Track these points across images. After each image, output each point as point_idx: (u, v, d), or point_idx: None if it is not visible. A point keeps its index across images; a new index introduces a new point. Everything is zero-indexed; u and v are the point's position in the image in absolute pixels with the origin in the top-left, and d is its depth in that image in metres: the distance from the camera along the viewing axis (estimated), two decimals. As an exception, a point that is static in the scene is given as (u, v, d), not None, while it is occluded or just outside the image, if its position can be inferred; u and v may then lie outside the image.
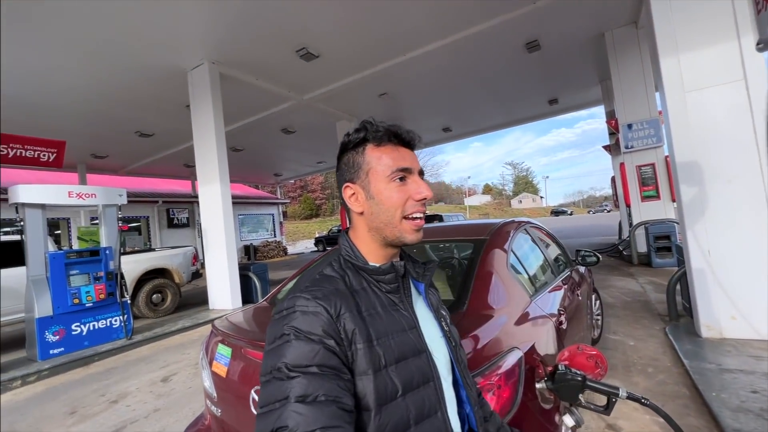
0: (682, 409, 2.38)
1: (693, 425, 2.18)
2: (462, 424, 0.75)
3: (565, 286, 2.38)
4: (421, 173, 0.76)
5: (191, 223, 17.77)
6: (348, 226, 0.83)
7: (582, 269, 3.30)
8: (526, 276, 1.95)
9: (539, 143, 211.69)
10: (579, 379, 1.25)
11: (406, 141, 0.75)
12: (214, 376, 1.51)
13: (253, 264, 7.71)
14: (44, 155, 6.88)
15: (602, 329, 3.84)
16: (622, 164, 8.14)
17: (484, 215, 57.03)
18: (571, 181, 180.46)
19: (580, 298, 2.62)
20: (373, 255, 0.76)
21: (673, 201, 7.45)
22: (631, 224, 8.29)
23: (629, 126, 7.66)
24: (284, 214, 26.85)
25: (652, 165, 7.60)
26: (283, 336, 0.61)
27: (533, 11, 6.38)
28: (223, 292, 6.88)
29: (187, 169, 15.55)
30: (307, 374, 0.57)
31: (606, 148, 11.05)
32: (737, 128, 3.24)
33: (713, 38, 3.28)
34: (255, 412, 1.27)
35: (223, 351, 1.50)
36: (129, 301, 5.41)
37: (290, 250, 24.87)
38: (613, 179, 10.85)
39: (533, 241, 2.42)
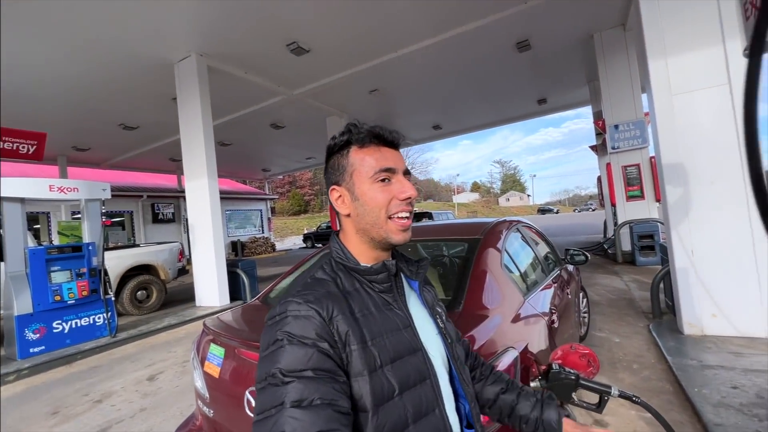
0: (666, 405, 2.45)
1: (677, 420, 2.24)
2: (460, 419, 0.76)
3: (555, 285, 2.42)
4: (406, 173, 0.76)
5: (177, 218, 17.44)
6: (338, 227, 0.83)
7: (570, 268, 3.35)
8: (519, 275, 1.97)
9: (527, 142, 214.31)
10: (572, 377, 1.27)
11: (389, 141, 0.75)
12: (207, 376, 1.48)
13: (241, 260, 7.62)
14: (24, 147, 6.66)
15: (589, 326, 3.92)
16: (608, 164, 8.29)
17: (472, 213, 57.50)
18: (557, 179, 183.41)
19: (569, 296, 2.67)
20: (364, 256, 0.76)
21: (657, 201, 7.63)
22: (616, 223, 8.46)
23: (616, 127, 7.80)
24: (272, 209, 26.57)
25: (637, 166, 7.76)
26: (277, 342, 0.61)
27: (524, 11, 6.42)
28: (210, 289, 6.78)
29: (172, 163, 15.24)
30: (302, 378, 0.57)
31: (593, 148, 11.24)
32: (721, 131, 3.32)
33: (700, 43, 3.35)
34: (249, 413, 1.25)
35: (216, 351, 1.47)
36: (113, 298, 5.29)
37: (278, 246, 24.69)
38: (599, 179, 11.05)
39: (525, 240, 2.45)
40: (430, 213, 18.55)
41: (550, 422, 0.83)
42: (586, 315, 3.80)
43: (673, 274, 3.62)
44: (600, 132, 9.42)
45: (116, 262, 6.47)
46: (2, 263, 4.53)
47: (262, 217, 22.42)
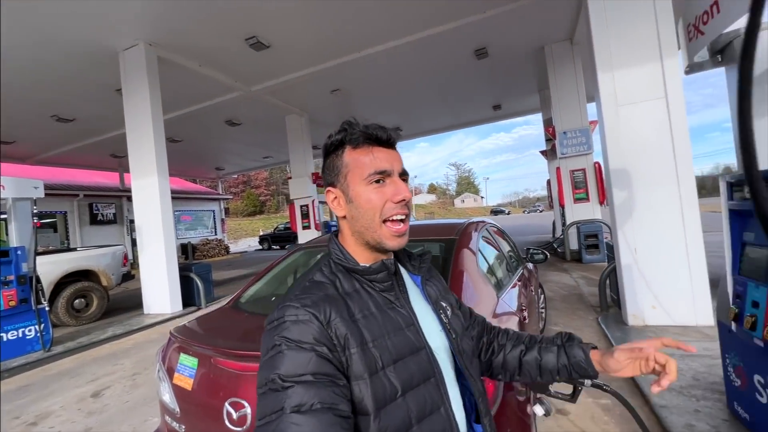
0: (618, 390, 2.64)
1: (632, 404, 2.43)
2: (468, 415, 0.76)
3: (520, 283, 2.53)
4: (403, 174, 0.74)
5: (119, 219, 16.11)
6: (336, 229, 0.82)
7: (530, 266, 3.53)
8: (492, 274, 2.04)
9: (480, 146, 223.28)
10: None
11: (384, 141, 0.73)
12: (177, 389, 1.37)
13: (194, 264, 7.20)
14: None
15: (545, 321, 4.16)
16: (558, 168, 8.84)
17: (429, 214, 58.74)
18: (508, 182, 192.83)
19: (533, 293, 2.81)
20: (362, 257, 0.75)
21: (600, 203, 8.27)
22: (564, 224, 9.04)
23: (564, 133, 8.35)
24: (226, 210, 25.40)
25: (583, 170, 8.36)
26: (275, 347, 0.61)
27: (483, 20, 6.67)
28: (160, 295, 6.34)
29: (115, 159, 14.07)
30: (302, 383, 0.57)
31: (543, 153, 11.94)
32: (659, 140, 3.67)
33: (642, 59, 3.68)
34: (230, 425, 1.18)
35: (187, 361, 1.37)
36: (47, 308, 4.77)
37: (232, 248, 23.62)
38: (548, 182, 11.75)
39: (493, 240, 2.54)
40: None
41: (579, 363, 0.82)
42: (543, 310, 4.02)
43: (618, 270, 3.94)
44: (550, 138, 10.02)
45: (50, 268, 5.85)
46: None
47: (214, 218, 21.36)
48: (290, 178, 12.03)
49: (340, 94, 9.93)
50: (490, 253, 2.27)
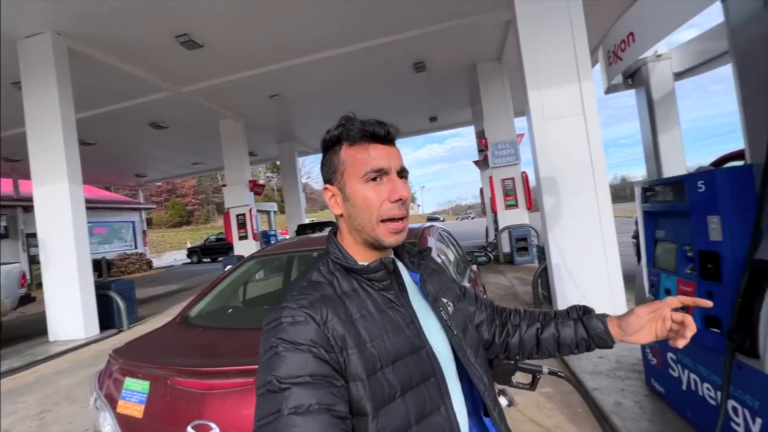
0: (557, 378, 2.89)
1: (569, 390, 2.67)
2: (476, 409, 0.77)
3: (470, 284, 2.67)
4: (402, 171, 0.73)
5: (12, 233, 13.78)
6: (335, 229, 0.82)
7: (474, 267, 3.73)
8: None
9: (416, 156, 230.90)
10: (512, 363, 1.43)
11: (382, 137, 0.71)
12: (122, 418, 1.21)
13: (113, 281, 6.43)
14: None
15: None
16: (490, 177, 9.50)
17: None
18: (442, 191, 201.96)
19: (481, 293, 2.97)
20: (361, 255, 0.74)
21: (528, 209, 9.04)
22: (497, 229, 9.71)
23: (496, 145, 9.02)
24: (148, 221, 23.07)
25: (512, 179, 9.08)
26: (272, 348, 0.60)
27: (421, 35, 6.99)
28: (72, 317, 5.53)
29: (7, 163, 12.06)
30: (299, 384, 0.56)
31: (476, 162, 12.73)
32: (579, 152, 4.14)
33: (564, 80, 4.15)
34: (194, 451, 1.07)
35: (135, 386, 1.22)
36: None
37: (156, 263, 21.43)
38: (481, 190, 12.53)
39: (446, 243, 2.65)
40: (334, 222, 18.49)
41: (599, 334, 0.82)
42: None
43: (549, 270, 4.32)
44: (482, 149, 10.73)
45: None
46: None
47: (134, 230, 19.30)
48: (224, 185, 11.33)
49: (278, 100, 9.66)
50: (446, 256, 2.36)
